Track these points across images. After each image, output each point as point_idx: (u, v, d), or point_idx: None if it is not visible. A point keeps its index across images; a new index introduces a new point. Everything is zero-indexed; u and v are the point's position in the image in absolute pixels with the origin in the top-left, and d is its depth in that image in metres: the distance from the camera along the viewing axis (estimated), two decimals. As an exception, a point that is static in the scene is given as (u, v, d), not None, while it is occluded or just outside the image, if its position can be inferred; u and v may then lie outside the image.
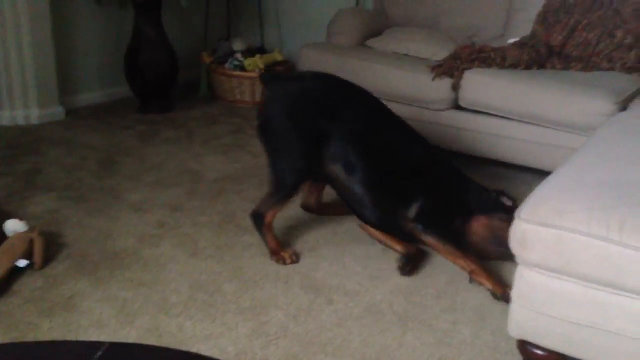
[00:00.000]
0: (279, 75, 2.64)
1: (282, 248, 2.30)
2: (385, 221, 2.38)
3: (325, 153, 2.28)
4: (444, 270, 2.25)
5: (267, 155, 2.33)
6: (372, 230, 2.44)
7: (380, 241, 2.42)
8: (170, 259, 2.24)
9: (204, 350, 1.77)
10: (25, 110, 3.54)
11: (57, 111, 3.66)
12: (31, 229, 2.21)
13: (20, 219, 2.26)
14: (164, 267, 2.19)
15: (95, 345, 0.98)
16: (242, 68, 4.19)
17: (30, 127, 3.52)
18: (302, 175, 2.31)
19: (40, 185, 2.79)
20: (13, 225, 2.16)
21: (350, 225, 2.54)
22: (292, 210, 2.63)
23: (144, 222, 2.51)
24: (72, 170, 2.99)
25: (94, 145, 3.33)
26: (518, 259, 1.61)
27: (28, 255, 2.09)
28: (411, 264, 2.26)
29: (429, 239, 2.27)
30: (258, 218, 2.31)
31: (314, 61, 3.44)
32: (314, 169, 2.31)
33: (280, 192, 2.28)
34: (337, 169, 2.30)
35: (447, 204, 2.36)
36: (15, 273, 2.06)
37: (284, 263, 2.25)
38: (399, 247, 2.34)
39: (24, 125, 3.54)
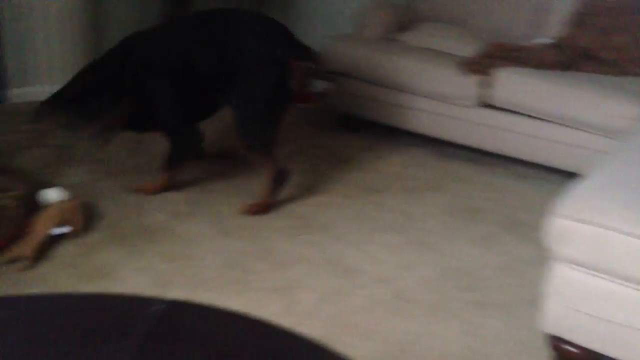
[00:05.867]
0: None
1: None
2: None
3: None
4: (473, 262, 2.28)
5: None
6: None
7: None
8: (202, 237, 2.28)
9: (237, 325, 1.80)
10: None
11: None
12: (68, 199, 2.24)
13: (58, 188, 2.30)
14: (196, 244, 2.23)
15: (152, 301, 1.02)
16: (270, 55, 4.20)
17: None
18: None
19: (73, 159, 2.82)
20: (52, 193, 2.19)
21: (378, 214, 2.57)
22: (321, 194, 2.67)
23: (176, 199, 2.54)
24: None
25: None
26: (554, 254, 1.63)
27: (65, 223, 2.13)
28: None
29: None
30: None
31: (340, 53, 3.46)
32: None
33: None
34: None
35: None
36: (56, 239, 2.10)
37: None
38: None
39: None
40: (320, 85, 4.32)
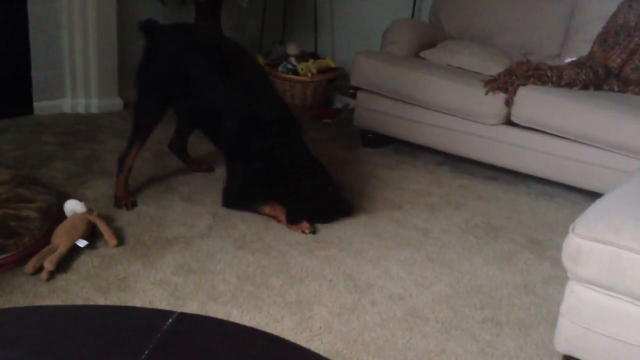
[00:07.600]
0: (158, 25, 2.80)
1: (126, 196, 2.58)
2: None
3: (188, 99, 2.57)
4: (489, 280, 2.26)
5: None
6: None
7: None
8: (220, 250, 2.31)
9: (250, 339, 1.81)
10: (86, 100, 3.67)
11: (115, 102, 3.78)
12: (89, 211, 2.30)
13: (80, 200, 2.35)
14: (213, 257, 2.25)
15: (166, 313, 1.04)
16: (295, 72, 4.25)
17: (90, 116, 3.64)
18: (154, 119, 2.62)
19: (98, 170, 2.89)
20: (73, 206, 2.24)
21: (397, 230, 2.57)
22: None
23: (195, 212, 2.58)
24: (128, 159, 3.08)
25: (151, 137, 3.42)
26: (570, 273, 1.61)
27: (87, 236, 2.18)
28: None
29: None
30: (120, 162, 2.61)
31: (367, 68, 3.48)
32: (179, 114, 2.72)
33: (136, 135, 2.61)
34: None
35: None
36: (74, 251, 2.15)
37: (126, 208, 2.52)
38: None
39: (84, 114, 3.66)
40: (343, 100, 4.35)
